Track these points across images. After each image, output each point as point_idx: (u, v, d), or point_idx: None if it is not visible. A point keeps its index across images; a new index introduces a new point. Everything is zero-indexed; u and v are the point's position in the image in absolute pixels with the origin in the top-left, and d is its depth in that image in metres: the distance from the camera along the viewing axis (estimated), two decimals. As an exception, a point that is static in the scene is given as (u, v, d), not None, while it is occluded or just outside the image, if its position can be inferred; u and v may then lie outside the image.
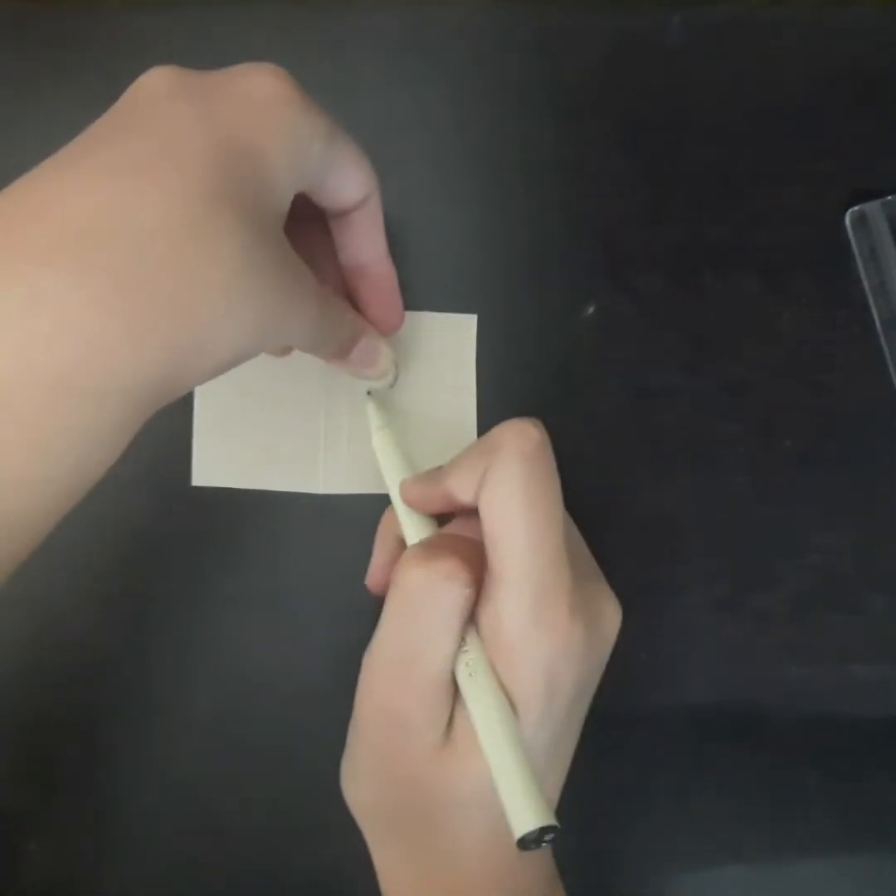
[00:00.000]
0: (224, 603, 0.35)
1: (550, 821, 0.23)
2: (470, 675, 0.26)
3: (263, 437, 0.35)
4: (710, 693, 0.35)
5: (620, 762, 0.35)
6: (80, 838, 0.34)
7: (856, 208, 0.36)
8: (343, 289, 0.32)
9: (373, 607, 0.35)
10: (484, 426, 0.35)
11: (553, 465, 0.27)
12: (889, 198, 0.35)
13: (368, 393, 0.34)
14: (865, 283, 0.36)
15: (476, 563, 0.26)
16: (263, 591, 0.35)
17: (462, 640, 0.26)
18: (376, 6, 0.36)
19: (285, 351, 0.33)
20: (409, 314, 0.34)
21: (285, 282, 0.24)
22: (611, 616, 0.28)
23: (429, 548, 0.27)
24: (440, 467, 0.29)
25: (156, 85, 0.24)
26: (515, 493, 0.26)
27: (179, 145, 0.22)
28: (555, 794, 0.29)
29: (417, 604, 0.26)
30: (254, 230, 0.23)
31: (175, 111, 0.23)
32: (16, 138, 0.35)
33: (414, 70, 0.36)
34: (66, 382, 0.20)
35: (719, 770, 0.35)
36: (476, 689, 0.26)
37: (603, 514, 0.36)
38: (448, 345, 0.36)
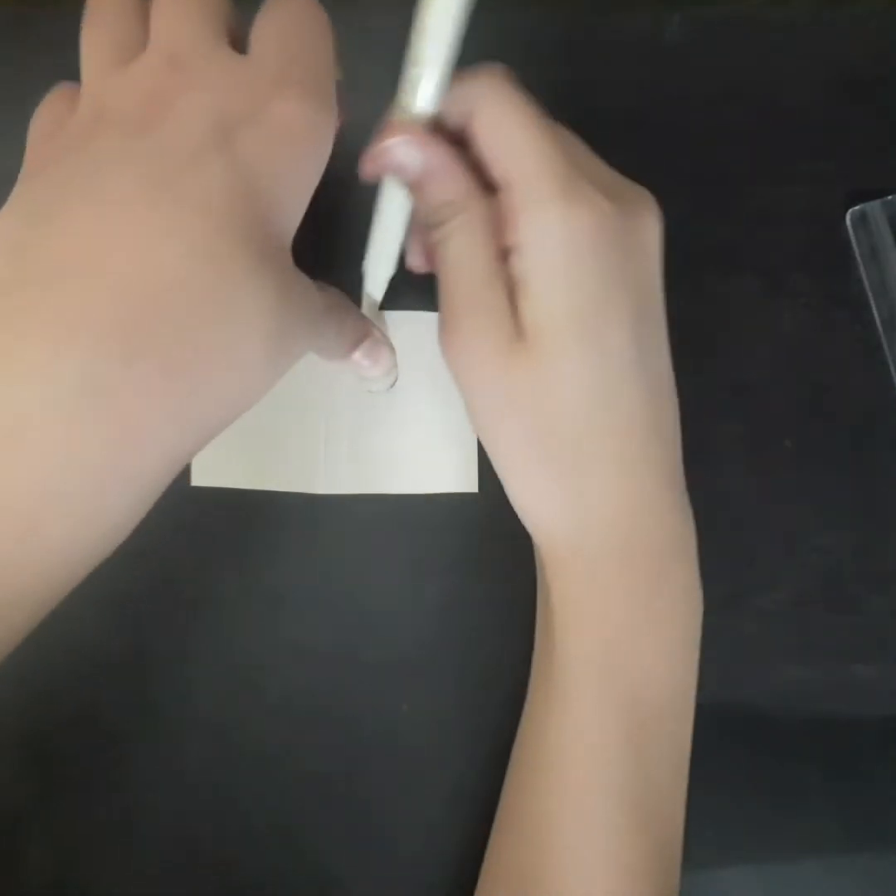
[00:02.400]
0: (224, 603, 0.35)
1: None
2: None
3: (263, 437, 0.35)
4: (710, 693, 0.35)
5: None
6: (80, 838, 0.34)
7: (856, 208, 0.36)
8: None
9: (373, 608, 0.35)
10: (484, 426, 0.35)
11: None
12: (889, 197, 0.35)
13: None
14: (866, 283, 0.36)
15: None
16: (263, 591, 0.35)
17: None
18: (376, 6, 0.36)
19: None
20: (410, 314, 0.34)
21: (305, 311, 0.24)
22: (649, 211, 0.28)
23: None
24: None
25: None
26: (512, 100, 0.26)
27: (197, 184, 0.21)
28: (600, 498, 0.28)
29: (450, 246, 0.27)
30: (281, 270, 0.22)
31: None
32: (16, 140, 0.35)
33: (414, 70, 0.36)
34: (112, 464, 0.20)
35: (719, 770, 0.35)
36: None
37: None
38: (448, 345, 0.36)
